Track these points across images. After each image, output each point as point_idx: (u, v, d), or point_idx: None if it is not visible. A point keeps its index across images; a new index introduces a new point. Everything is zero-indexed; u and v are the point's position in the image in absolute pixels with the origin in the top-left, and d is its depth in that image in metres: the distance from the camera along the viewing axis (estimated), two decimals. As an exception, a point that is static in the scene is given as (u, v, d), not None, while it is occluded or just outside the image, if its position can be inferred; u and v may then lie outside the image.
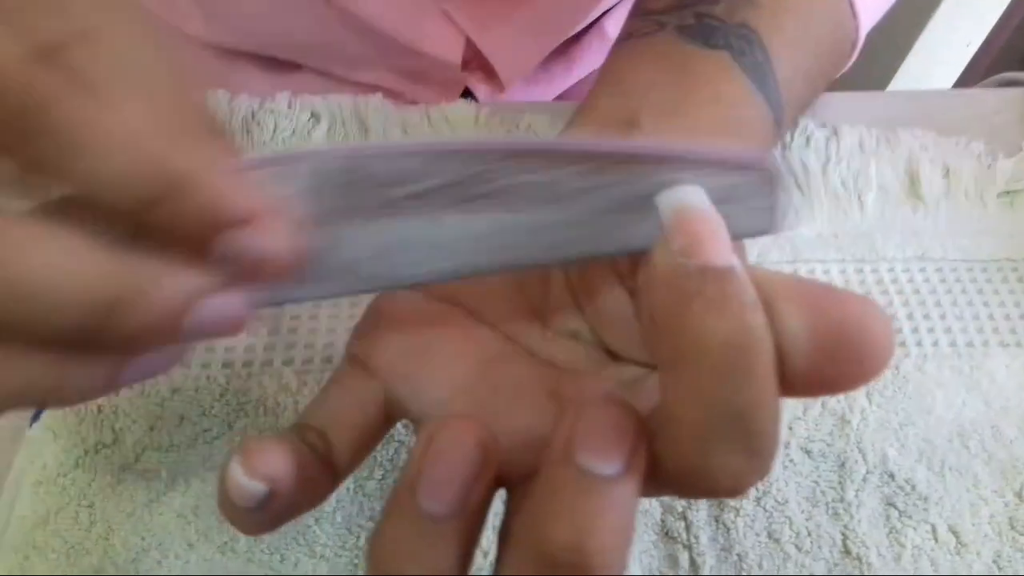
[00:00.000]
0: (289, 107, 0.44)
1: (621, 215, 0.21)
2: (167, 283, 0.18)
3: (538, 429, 0.23)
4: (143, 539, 0.32)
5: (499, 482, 0.21)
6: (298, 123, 0.44)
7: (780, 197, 0.21)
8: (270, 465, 0.21)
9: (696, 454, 0.17)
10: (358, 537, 0.32)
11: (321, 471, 0.23)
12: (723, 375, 0.16)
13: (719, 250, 0.17)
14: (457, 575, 0.20)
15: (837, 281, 0.40)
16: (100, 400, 0.34)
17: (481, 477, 0.20)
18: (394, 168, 0.20)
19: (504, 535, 0.22)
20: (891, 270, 0.40)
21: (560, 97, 0.60)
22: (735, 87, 0.31)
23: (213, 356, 0.36)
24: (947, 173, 0.44)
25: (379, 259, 0.21)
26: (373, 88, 0.49)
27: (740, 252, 0.26)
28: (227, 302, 0.19)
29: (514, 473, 0.22)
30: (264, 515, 0.22)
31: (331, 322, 0.38)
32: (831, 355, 0.17)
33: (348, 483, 0.33)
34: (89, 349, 0.19)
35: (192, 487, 0.33)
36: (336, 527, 0.33)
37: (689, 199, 0.18)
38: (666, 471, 0.18)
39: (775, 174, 0.21)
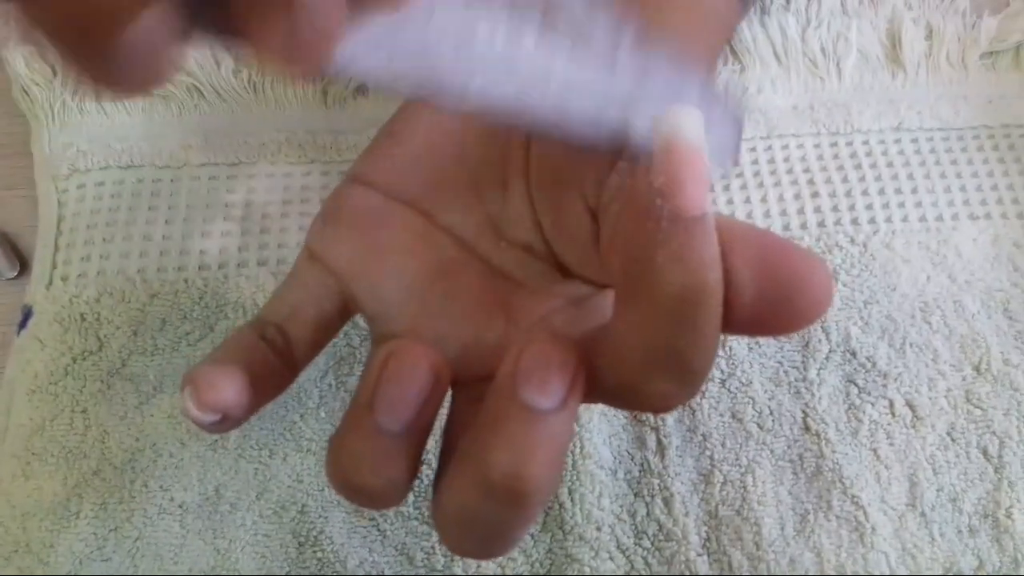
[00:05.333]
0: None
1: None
2: None
3: (485, 338, 0.24)
4: (137, 440, 0.33)
5: None
6: None
7: (739, 135, 0.20)
8: (219, 400, 0.22)
9: (634, 377, 0.19)
10: (341, 431, 0.34)
11: (280, 364, 0.25)
12: (672, 321, 0.17)
13: (696, 198, 0.17)
14: (408, 479, 0.22)
15: (811, 156, 0.40)
16: (82, 308, 0.35)
17: (433, 398, 0.21)
18: None
19: (447, 432, 0.24)
20: (866, 143, 0.40)
21: None
22: None
23: (188, 260, 0.37)
24: (930, 34, 0.42)
25: (450, 55, 0.19)
26: None
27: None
28: None
29: (460, 376, 0.23)
30: (224, 426, 0.23)
31: (302, 220, 0.38)
32: (773, 306, 0.18)
33: (330, 380, 0.35)
34: None
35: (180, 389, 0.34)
36: (320, 422, 0.34)
37: (685, 129, 0.17)
38: (604, 386, 0.20)
39: (738, 112, 0.20)
